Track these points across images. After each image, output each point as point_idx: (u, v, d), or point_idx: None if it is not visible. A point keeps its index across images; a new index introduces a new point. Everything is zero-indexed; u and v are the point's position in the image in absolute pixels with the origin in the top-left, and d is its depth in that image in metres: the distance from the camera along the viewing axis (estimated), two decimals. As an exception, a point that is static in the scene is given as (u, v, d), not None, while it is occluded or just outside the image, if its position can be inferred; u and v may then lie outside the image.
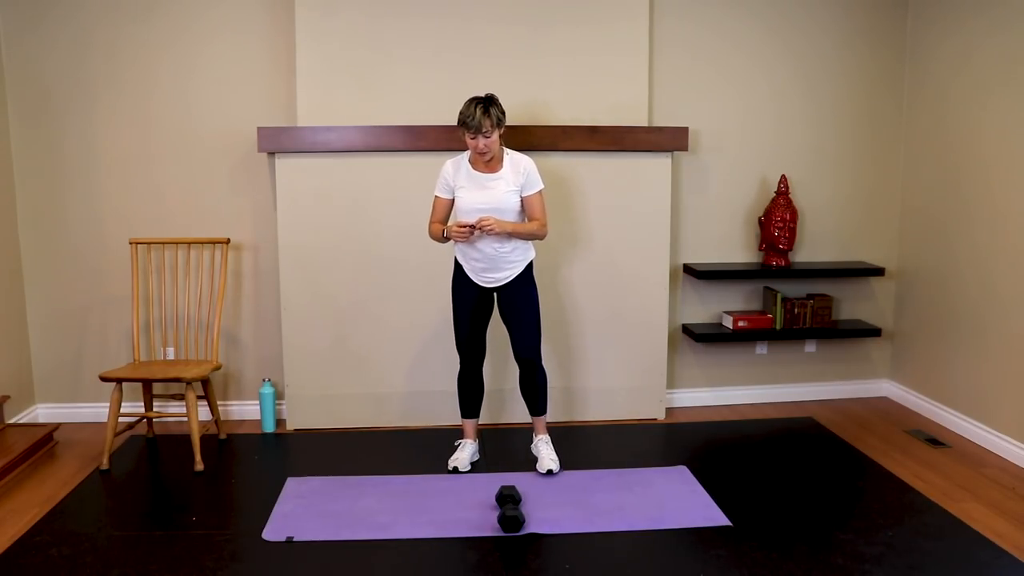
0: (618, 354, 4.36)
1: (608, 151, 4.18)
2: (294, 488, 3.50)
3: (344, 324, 4.21)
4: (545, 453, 3.71)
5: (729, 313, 4.50)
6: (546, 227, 3.58)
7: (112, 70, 4.14)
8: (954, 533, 3.09)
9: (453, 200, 3.57)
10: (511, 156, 3.55)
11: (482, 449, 3.90)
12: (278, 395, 4.36)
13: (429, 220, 3.63)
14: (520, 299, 3.60)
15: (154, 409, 4.09)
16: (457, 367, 3.80)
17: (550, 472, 3.64)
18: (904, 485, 3.53)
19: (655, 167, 4.25)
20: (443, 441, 3.98)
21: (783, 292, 4.55)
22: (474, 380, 3.75)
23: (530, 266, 3.62)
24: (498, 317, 3.71)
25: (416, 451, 3.95)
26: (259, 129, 4.02)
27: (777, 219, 4.40)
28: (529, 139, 4.00)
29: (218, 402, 4.23)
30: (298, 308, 4.18)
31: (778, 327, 4.48)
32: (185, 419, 4.12)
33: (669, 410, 4.52)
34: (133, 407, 4.07)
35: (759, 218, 4.53)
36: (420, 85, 4.13)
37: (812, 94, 4.51)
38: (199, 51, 4.16)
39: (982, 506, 3.33)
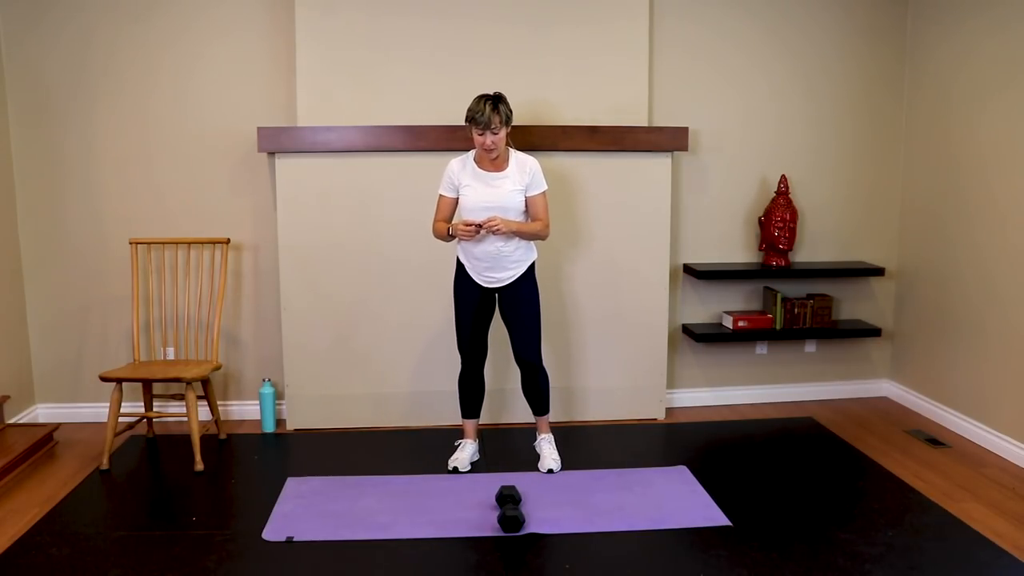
0: (618, 354, 4.36)
1: (608, 151, 4.18)
2: (294, 488, 3.50)
3: (344, 324, 4.21)
4: (547, 452, 3.72)
5: (729, 313, 4.51)
6: (548, 228, 3.58)
7: (112, 70, 4.14)
8: (954, 533, 3.09)
9: (457, 199, 3.57)
10: (517, 156, 3.55)
11: (482, 449, 3.90)
12: (278, 395, 4.36)
13: (433, 219, 3.63)
14: (522, 300, 3.60)
15: (154, 409, 4.09)
16: (458, 367, 3.80)
17: (550, 471, 3.64)
18: (904, 485, 3.53)
19: (655, 167, 4.25)
20: (443, 441, 3.98)
21: (783, 292, 4.55)
22: (475, 380, 3.76)
23: (532, 267, 3.62)
24: (498, 317, 3.71)
25: (416, 451, 3.95)
26: (259, 129, 4.02)
27: (777, 219, 4.40)
28: (529, 139, 4.00)
29: (218, 402, 4.23)
30: (298, 308, 4.18)
31: (778, 327, 4.48)
32: (185, 419, 4.12)
33: (669, 410, 4.52)
34: (133, 407, 4.07)
35: (759, 218, 4.53)
36: (420, 85, 4.13)
37: (812, 94, 4.51)
38: (199, 51, 4.16)
39: (982, 506, 3.33)
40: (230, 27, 4.15)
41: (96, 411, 4.29)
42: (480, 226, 3.40)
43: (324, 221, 4.13)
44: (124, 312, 4.28)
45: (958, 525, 3.15)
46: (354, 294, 4.20)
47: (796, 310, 4.48)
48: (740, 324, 4.44)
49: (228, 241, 4.16)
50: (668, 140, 4.20)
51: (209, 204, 4.25)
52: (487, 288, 3.60)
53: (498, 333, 3.82)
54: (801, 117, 4.52)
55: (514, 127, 3.88)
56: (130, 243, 4.11)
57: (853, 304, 4.72)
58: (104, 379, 3.71)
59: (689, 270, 4.47)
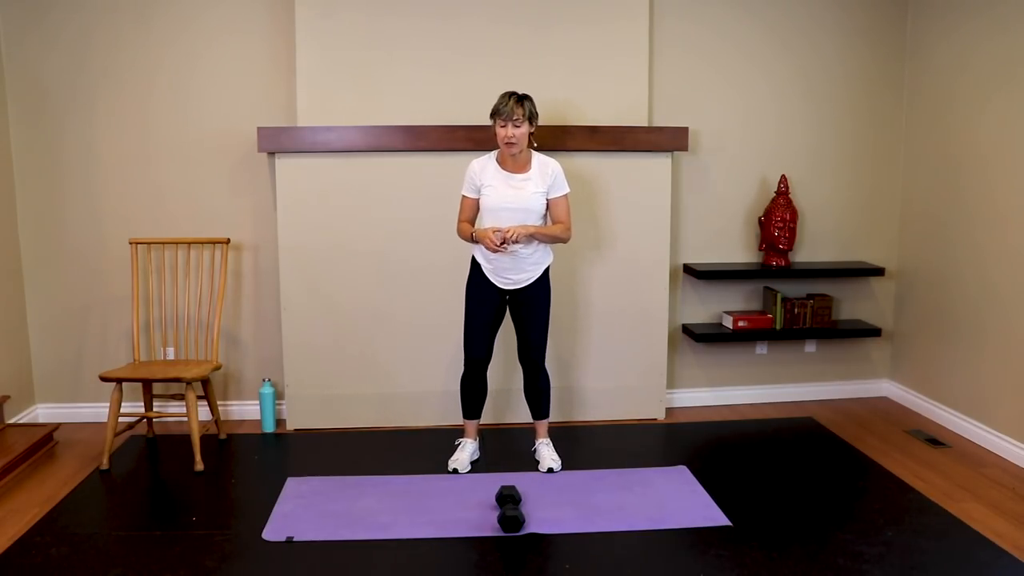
0: (618, 354, 4.36)
1: (608, 151, 4.18)
2: (294, 488, 3.50)
3: (344, 324, 4.21)
4: (546, 454, 3.72)
5: (729, 313, 4.51)
6: (570, 231, 3.58)
7: (112, 70, 4.14)
8: (954, 533, 3.09)
9: (479, 200, 3.56)
10: (539, 157, 3.55)
11: (483, 449, 3.90)
12: (278, 395, 4.36)
13: (458, 219, 3.63)
14: (535, 302, 3.61)
15: (154, 409, 4.09)
16: (459, 367, 3.80)
17: (550, 471, 3.64)
18: (904, 485, 3.53)
19: (655, 167, 4.25)
20: (443, 441, 3.98)
21: (783, 292, 4.55)
22: (479, 382, 3.75)
23: (547, 271, 3.63)
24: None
25: (416, 451, 3.95)
26: (259, 129, 4.02)
27: (777, 219, 4.40)
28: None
29: (218, 402, 4.23)
30: (298, 308, 4.18)
31: (778, 327, 4.48)
32: (185, 419, 4.12)
33: (669, 410, 4.52)
34: (133, 407, 4.07)
35: (759, 218, 4.53)
36: (420, 85, 4.13)
37: (812, 94, 4.51)
38: (199, 51, 4.16)
39: (982, 506, 3.33)
40: (230, 27, 4.15)
41: (96, 411, 4.29)
42: (505, 240, 3.39)
43: (324, 221, 4.13)
44: (124, 312, 4.28)
45: (958, 525, 3.15)
46: (354, 294, 4.20)
47: (796, 310, 4.48)
48: (740, 324, 4.44)
49: (228, 241, 4.16)
50: (668, 140, 4.20)
51: (209, 204, 4.25)
52: (503, 289, 3.59)
53: (501, 333, 3.81)
54: (801, 117, 4.52)
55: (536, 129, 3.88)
56: (130, 243, 4.11)
57: (853, 304, 4.72)
58: (104, 379, 3.71)
59: (689, 270, 4.47)
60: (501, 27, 4.13)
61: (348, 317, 4.21)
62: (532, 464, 3.74)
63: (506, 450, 3.94)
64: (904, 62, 4.56)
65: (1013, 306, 3.81)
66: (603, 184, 4.21)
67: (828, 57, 4.49)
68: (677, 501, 3.36)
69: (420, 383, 4.28)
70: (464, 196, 3.60)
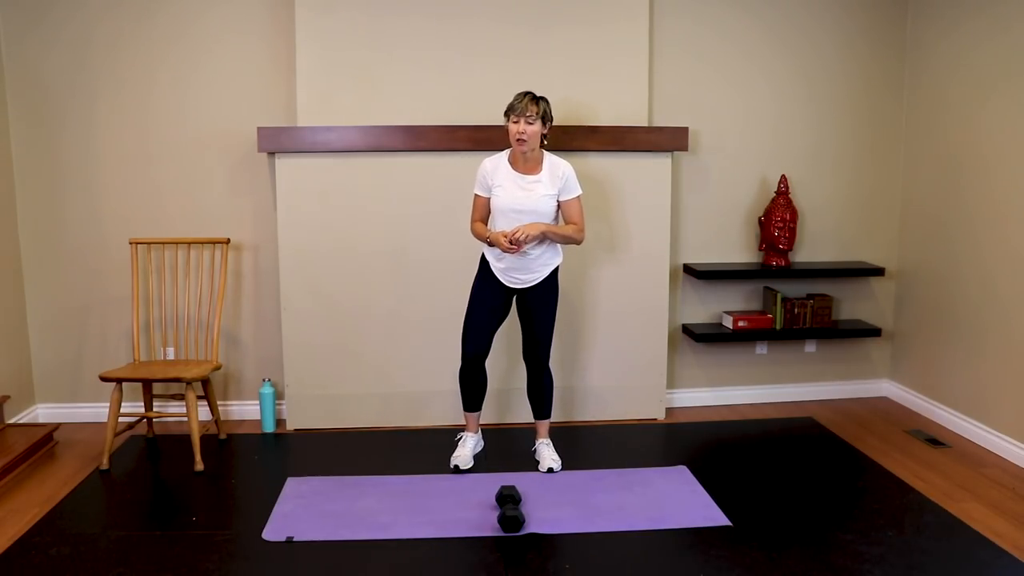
0: (618, 354, 4.36)
1: (608, 151, 4.18)
2: (294, 488, 3.50)
3: (344, 324, 4.21)
4: (547, 454, 3.72)
5: (729, 313, 4.51)
6: (583, 232, 3.57)
7: (112, 70, 4.14)
8: (954, 533, 3.09)
9: (490, 199, 3.56)
10: (551, 159, 3.55)
11: (483, 449, 3.90)
12: (278, 395, 4.36)
13: (471, 218, 3.63)
14: (542, 302, 3.61)
15: (154, 409, 4.09)
16: (458, 364, 3.79)
17: (551, 471, 3.64)
18: (904, 485, 3.53)
19: (655, 167, 4.25)
20: (443, 441, 3.98)
21: (783, 292, 4.55)
22: (477, 374, 3.74)
23: (556, 271, 3.63)
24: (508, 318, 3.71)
25: (416, 451, 3.95)
26: (259, 129, 4.02)
27: (777, 219, 4.40)
28: (529, 139, 4.00)
29: (218, 402, 4.23)
30: (298, 308, 4.18)
31: (778, 327, 4.48)
32: (185, 419, 4.12)
33: (669, 410, 4.52)
34: (133, 407, 4.07)
35: (759, 218, 4.53)
36: (420, 85, 4.13)
37: (812, 94, 4.51)
38: (199, 51, 4.16)
39: (982, 506, 3.33)
40: (230, 27, 4.15)
41: (96, 411, 4.29)
42: (518, 242, 3.40)
43: (324, 221, 4.13)
44: (124, 312, 4.28)
45: (958, 525, 3.15)
46: (354, 294, 4.20)
47: (796, 310, 4.48)
48: (740, 324, 4.44)
49: (228, 241, 4.16)
50: (668, 140, 4.20)
51: (209, 204, 4.25)
52: (510, 288, 3.59)
53: (503, 333, 3.81)
54: (801, 117, 4.52)
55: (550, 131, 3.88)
56: (130, 243, 4.11)
57: (853, 304, 4.72)
58: (104, 379, 3.71)
59: (689, 270, 4.47)
60: (501, 27, 4.13)
61: (348, 317, 4.21)
62: (532, 464, 3.74)
63: (506, 450, 3.94)
64: (904, 62, 4.57)
65: (1013, 306, 3.81)
66: (603, 184, 4.21)
67: (828, 57, 4.49)
68: (677, 501, 3.36)
69: (420, 383, 4.28)
70: (476, 195, 3.59)
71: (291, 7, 4.07)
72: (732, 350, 4.65)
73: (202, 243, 4.16)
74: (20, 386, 4.22)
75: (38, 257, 4.25)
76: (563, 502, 3.36)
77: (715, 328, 4.50)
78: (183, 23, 4.13)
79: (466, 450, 3.74)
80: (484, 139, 3.99)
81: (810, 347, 4.71)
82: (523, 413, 4.09)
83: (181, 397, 4.02)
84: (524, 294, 3.61)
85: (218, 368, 4.02)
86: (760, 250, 4.57)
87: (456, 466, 3.68)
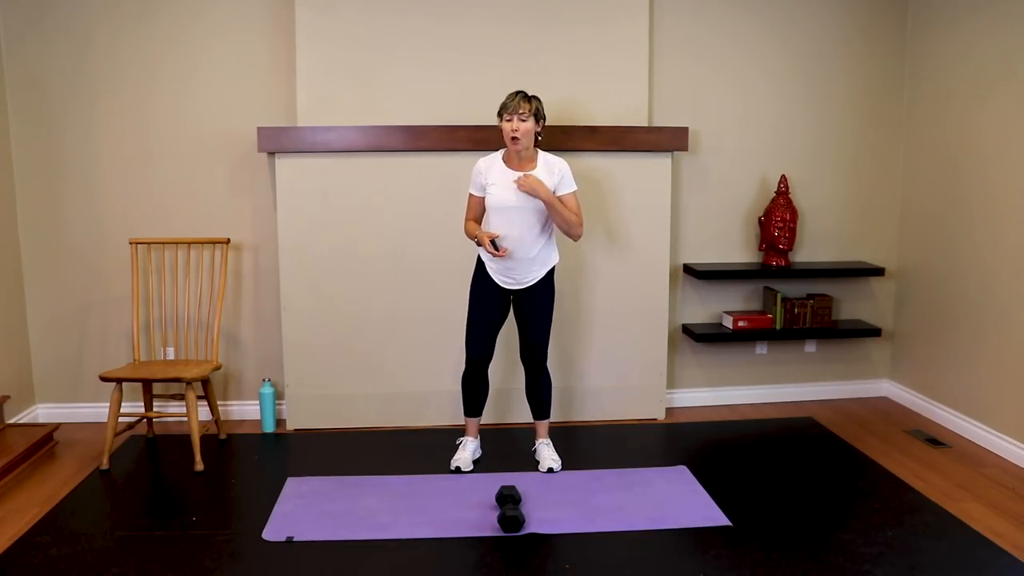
0: (618, 354, 4.36)
1: (608, 151, 4.18)
2: (294, 488, 3.50)
3: (345, 324, 4.21)
4: (547, 454, 3.72)
5: (729, 313, 4.51)
6: (582, 226, 3.54)
7: (112, 70, 4.14)
8: (954, 533, 3.09)
9: (484, 198, 3.56)
10: (545, 156, 3.55)
11: (483, 448, 3.90)
12: (278, 395, 4.36)
13: (464, 217, 3.63)
14: (538, 303, 3.61)
15: (154, 409, 4.10)
16: (460, 367, 3.80)
17: (551, 471, 3.64)
18: (904, 485, 3.53)
19: (655, 167, 4.25)
20: (443, 441, 3.98)
21: (783, 292, 4.55)
22: (480, 380, 3.75)
23: (552, 271, 3.62)
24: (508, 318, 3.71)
25: (416, 451, 3.95)
26: (259, 129, 4.02)
27: (777, 219, 4.40)
28: (529, 139, 4.00)
29: (218, 402, 4.23)
30: (298, 308, 4.18)
31: (778, 327, 4.48)
32: (185, 419, 4.12)
33: (669, 410, 4.52)
34: (133, 407, 4.07)
35: (759, 218, 4.53)
36: (420, 85, 4.13)
37: (812, 94, 4.51)
38: (199, 51, 4.16)
39: (982, 506, 3.33)
40: (230, 27, 4.15)
41: (96, 411, 4.29)
42: (496, 249, 3.40)
43: (324, 221, 4.13)
44: (124, 312, 4.28)
45: (958, 525, 3.15)
46: (354, 294, 4.20)
47: (796, 310, 4.48)
48: (740, 324, 4.44)
49: (228, 241, 4.16)
50: (668, 140, 4.20)
51: (209, 204, 4.25)
52: (506, 289, 3.59)
53: (503, 335, 3.81)
54: (801, 117, 4.52)
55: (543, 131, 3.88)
56: (130, 243, 4.11)
57: (853, 304, 4.72)
58: (104, 379, 3.71)
59: (689, 270, 4.47)
60: (501, 27, 4.13)
61: (348, 317, 4.21)
62: (532, 464, 3.74)
63: (506, 450, 3.94)
64: (904, 61, 4.57)
65: (1013, 306, 3.81)
66: (603, 184, 4.21)
67: (828, 56, 4.49)
68: (677, 501, 3.36)
69: (420, 383, 4.28)
70: (471, 194, 3.60)
71: (291, 7, 4.07)
72: (732, 350, 4.65)
73: (202, 243, 4.16)
74: (20, 386, 4.22)
75: (38, 257, 4.25)
76: (563, 502, 3.36)
77: (715, 328, 4.50)
78: (183, 23, 4.13)
79: (466, 453, 3.74)
80: (484, 139, 3.99)
81: (810, 347, 4.71)
82: (523, 413, 4.09)
83: (181, 397, 4.02)
84: (520, 296, 3.61)
85: (218, 368, 4.02)
86: (760, 250, 4.57)
87: (457, 467, 3.68)
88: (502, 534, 3.09)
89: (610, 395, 4.39)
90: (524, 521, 3.12)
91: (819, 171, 4.57)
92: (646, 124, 4.26)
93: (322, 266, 4.16)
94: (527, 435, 3.99)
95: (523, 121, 3.40)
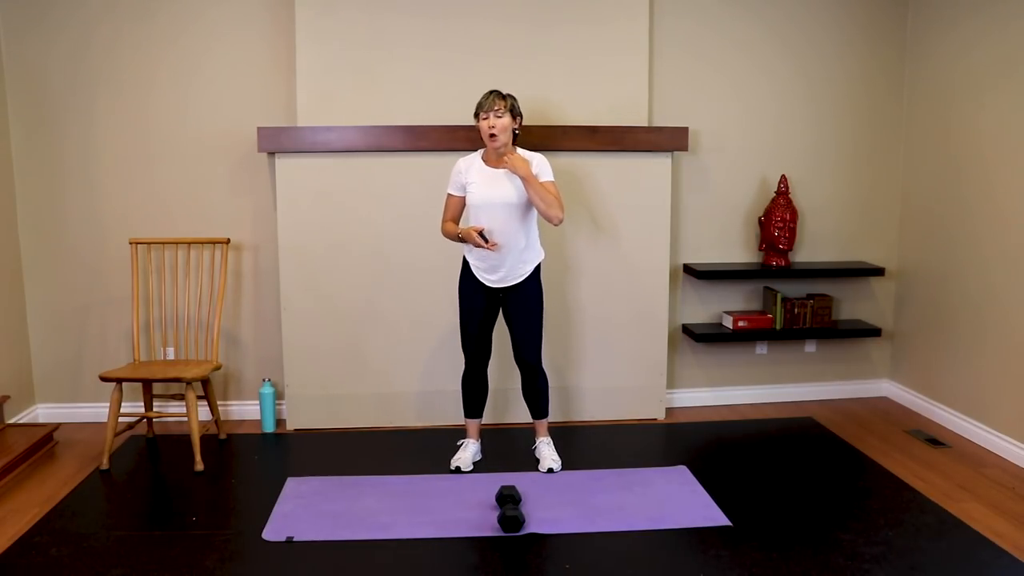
0: (618, 354, 4.36)
1: (608, 151, 4.18)
2: (294, 488, 3.50)
3: (344, 324, 4.21)
4: (547, 454, 3.72)
5: (729, 313, 4.51)
6: (562, 209, 3.47)
7: (112, 70, 4.14)
8: (954, 533, 3.09)
9: (465, 198, 3.57)
10: (522, 153, 3.55)
11: (483, 451, 3.90)
12: (278, 395, 4.36)
13: (442, 218, 3.63)
14: (526, 302, 3.60)
15: (154, 409, 4.10)
16: (459, 366, 3.80)
17: (551, 471, 3.64)
18: (904, 485, 3.53)
19: (655, 167, 4.25)
20: (443, 441, 3.98)
21: (783, 292, 4.55)
22: (479, 380, 3.75)
23: (538, 268, 3.62)
24: (501, 318, 3.71)
25: (416, 451, 3.95)
26: (259, 129, 4.02)
27: (777, 219, 4.40)
28: (529, 139, 3.99)
29: (218, 402, 4.23)
30: (298, 308, 4.18)
31: (778, 327, 4.48)
32: (185, 419, 4.12)
33: (669, 410, 4.52)
34: (133, 407, 4.07)
35: (759, 218, 4.53)
36: (420, 85, 4.13)
37: (812, 94, 4.51)
38: (199, 51, 4.16)
39: (982, 506, 3.33)
40: (230, 27, 4.15)
41: (96, 411, 4.29)
42: (487, 240, 3.40)
43: (324, 221, 4.13)
44: (124, 312, 4.28)
45: (958, 525, 3.15)
46: (354, 294, 4.20)
47: (796, 310, 4.48)
48: (740, 324, 4.44)
49: (228, 241, 4.16)
50: (668, 140, 4.20)
51: (209, 204, 4.25)
52: (492, 288, 3.59)
53: (501, 333, 3.81)
54: (801, 117, 4.52)
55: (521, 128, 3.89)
56: (130, 243, 4.11)
57: (853, 304, 4.72)
58: (104, 379, 3.71)
59: (689, 270, 4.47)
60: (501, 27, 4.13)
61: (348, 317, 4.21)
62: (532, 464, 3.74)
63: (506, 450, 3.94)
64: (904, 60, 4.56)
65: (1013, 306, 3.81)
66: (603, 184, 4.21)
67: (828, 56, 4.49)
68: (677, 501, 3.36)
69: (420, 383, 4.28)
70: (449, 195, 3.61)
71: (291, 7, 4.07)
72: (732, 350, 4.65)
73: (202, 243, 4.16)
74: (20, 386, 4.22)
75: (38, 257, 4.25)
76: (563, 502, 3.36)
77: (715, 328, 4.50)
78: (183, 23, 4.14)
79: (467, 454, 3.74)
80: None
81: (810, 347, 4.71)
82: (521, 413, 4.09)
83: (181, 397, 4.02)
84: (507, 295, 3.61)
85: (218, 368, 4.02)
86: (760, 250, 4.57)
87: (457, 467, 3.68)
88: (502, 534, 3.09)
89: (610, 395, 4.39)
90: (524, 521, 3.12)
91: (819, 171, 4.57)
92: (646, 124, 4.26)
93: (322, 266, 4.16)
94: (527, 435, 4.00)
95: (499, 118, 3.41)
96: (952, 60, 4.19)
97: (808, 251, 4.63)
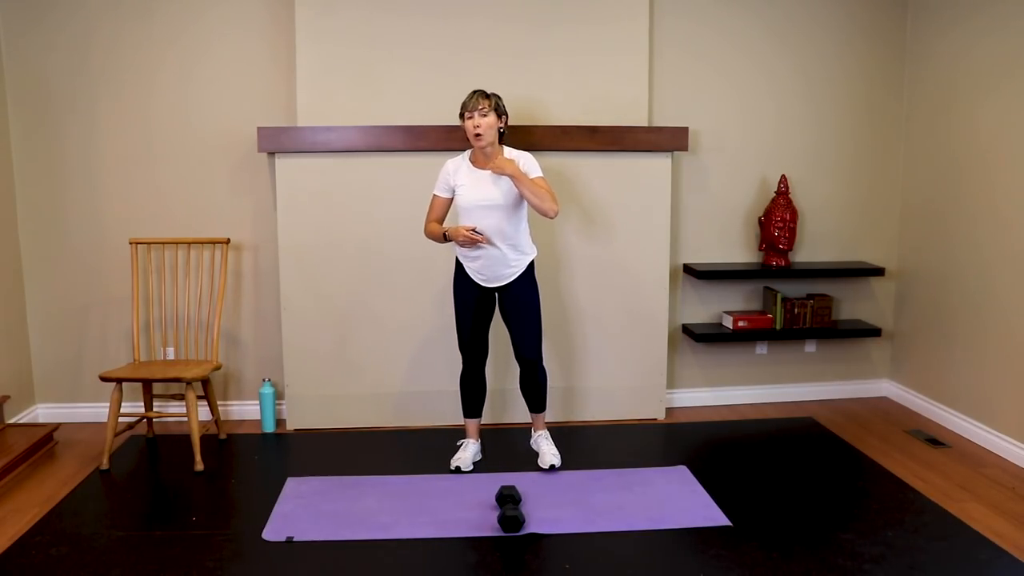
0: (618, 354, 4.36)
1: (608, 151, 4.18)
2: (294, 488, 3.50)
3: (344, 324, 4.21)
4: (546, 448, 3.71)
5: (729, 313, 4.51)
6: (556, 202, 3.46)
7: (112, 70, 4.14)
8: (954, 533, 3.09)
9: (451, 200, 3.57)
10: (509, 151, 3.55)
11: (483, 452, 3.90)
12: (278, 395, 4.36)
13: (426, 219, 3.63)
14: (522, 299, 3.60)
15: (154, 409, 4.10)
16: (458, 367, 3.80)
17: (552, 467, 3.64)
18: (904, 485, 3.53)
19: (655, 167, 4.25)
20: (443, 441, 3.98)
21: (783, 292, 4.55)
22: (477, 380, 3.75)
23: (531, 266, 3.62)
24: (498, 316, 3.71)
25: (416, 451, 3.95)
26: (259, 129, 4.02)
27: (777, 219, 4.40)
28: (529, 139, 4.00)
29: (218, 402, 4.23)
30: (298, 308, 4.18)
31: (778, 327, 4.48)
32: (185, 419, 4.12)
33: (669, 410, 4.52)
34: (133, 407, 4.07)
35: (759, 218, 4.53)
36: (420, 85, 4.13)
37: (812, 94, 4.51)
38: (199, 51, 4.16)
39: (982, 506, 3.33)
40: (230, 27, 4.15)
41: (96, 411, 4.29)
42: (476, 235, 3.40)
43: (324, 221, 4.13)
44: (124, 312, 4.28)
45: (958, 525, 3.15)
46: (354, 294, 4.20)
47: (796, 310, 4.48)
48: (740, 324, 4.44)
49: (228, 241, 4.16)
50: (668, 140, 4.20)
51: (209, 204, 4.25)
52: (487, 287, 3.59)
53: (498, 332, 3.81)
54: (801, 117, 4.52)
55: (514, 127, 3.89)
56: (130, 243, 4.11)
57: (853, 304, 4.72)
58: (104, 379, 3.71)
59: (689, 270, 4.47)
60: (501, 27, 4.13)
61: (348, 317, 4.21)
62: (532, 464, 3.74)
63: (506, 450, 3.94)
64: (904, 60, 4.56)
65: (1013, 306, 3.81)
66: (603, 184, 4.21)
67: (828, 56, 4.49)
68: (677, 501, 3.36)
69: (420, 383, 4.28)
70: (435, 195, 3.60)
71: (291, 7, 4.07)
72: (732, 350, 4.65)
73: (202, 243, 4.16)
74: (20, 386, 4.22)
75: (38, 257, 4.25)
76: (563, 502, 3.36)
77: (715, 328, 4.50)
78: (183, 23, 4.14)
79: (467, 454, 3.74)
80: (484, 139, 3.99)
81: (810, 347, 4.71)
82: (521, 413, 4.09)
83: (181, 397, 4.02)
84: (503, 293, 3.60)
85: (218, 368, 4.02)
86: (760, 250, 4.57)
87: (457, 467, 3.68)
88: (502, 534, 3.09)
89: (610, 395, 4.39)
90: (524, 521, 3.12)
91: (819, 171, 4.57)
92: (646, 124, 4.26)
93: (322, 266, 4.16)
94: (527, 435, 3.99)
95: (484, 116, 3.41)
96: (952, 60, 4.19)
97: (808, 251, 4.63)
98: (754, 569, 2.83)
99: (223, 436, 4.11)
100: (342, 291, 4.19)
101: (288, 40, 4.12)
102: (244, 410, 4.43)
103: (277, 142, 4.04)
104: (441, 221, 3.61)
